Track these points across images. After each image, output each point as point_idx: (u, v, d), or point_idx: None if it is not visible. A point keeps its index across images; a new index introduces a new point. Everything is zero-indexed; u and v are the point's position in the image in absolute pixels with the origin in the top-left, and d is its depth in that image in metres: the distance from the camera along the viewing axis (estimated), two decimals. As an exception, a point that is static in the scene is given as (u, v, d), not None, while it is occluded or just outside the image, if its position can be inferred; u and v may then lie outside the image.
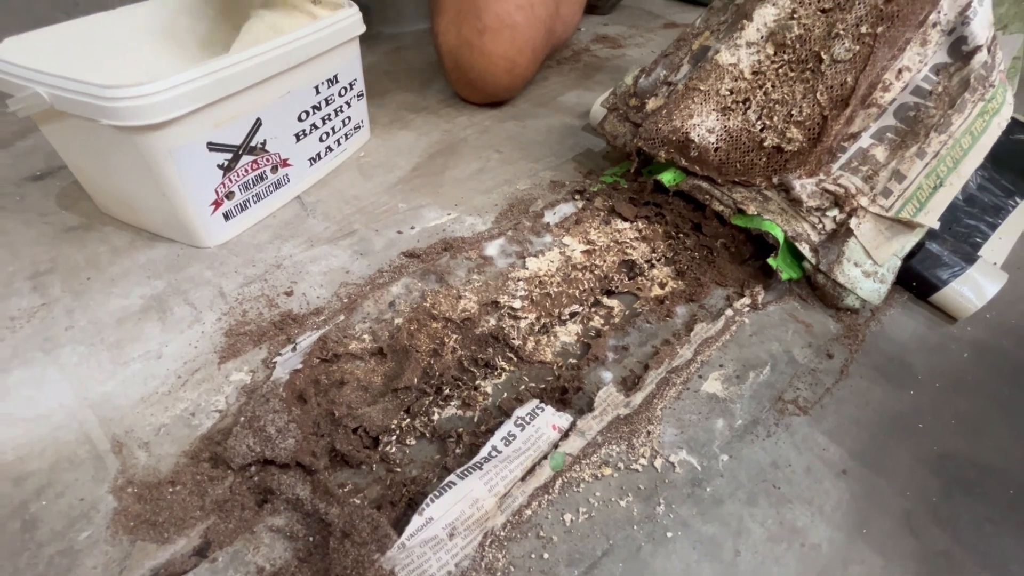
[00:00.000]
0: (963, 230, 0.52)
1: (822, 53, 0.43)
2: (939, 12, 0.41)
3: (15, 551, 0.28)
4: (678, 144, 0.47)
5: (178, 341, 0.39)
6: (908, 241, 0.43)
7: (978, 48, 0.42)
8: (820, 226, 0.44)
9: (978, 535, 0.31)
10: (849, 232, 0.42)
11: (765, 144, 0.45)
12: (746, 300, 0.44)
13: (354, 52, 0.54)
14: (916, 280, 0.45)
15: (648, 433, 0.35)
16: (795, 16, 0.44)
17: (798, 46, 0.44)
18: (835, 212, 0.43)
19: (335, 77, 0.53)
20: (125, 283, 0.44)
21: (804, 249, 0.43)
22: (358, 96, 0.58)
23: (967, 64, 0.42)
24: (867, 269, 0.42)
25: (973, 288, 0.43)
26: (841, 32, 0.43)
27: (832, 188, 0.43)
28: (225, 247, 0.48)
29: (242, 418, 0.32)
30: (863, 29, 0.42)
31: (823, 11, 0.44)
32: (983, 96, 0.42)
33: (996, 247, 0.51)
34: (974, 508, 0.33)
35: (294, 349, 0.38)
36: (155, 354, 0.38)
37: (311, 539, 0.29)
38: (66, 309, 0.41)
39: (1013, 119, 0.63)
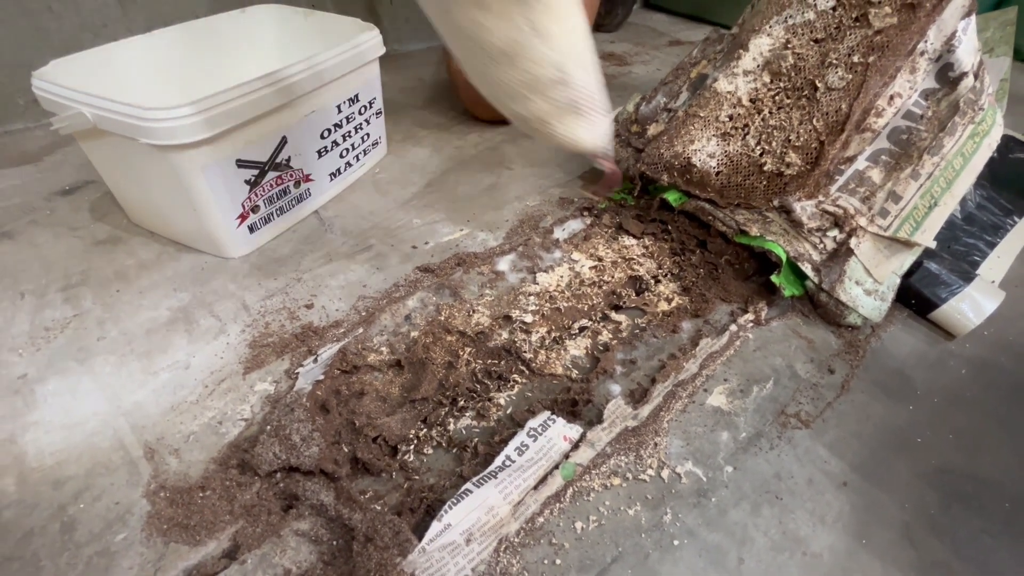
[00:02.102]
0: (962, 248, 0.54)
1: (817, 81, 0.45)
2: (926, 41, 0.43)
3: (56, 551, 0.30)
4: (680, 168, 0.49)
5: (204, 352, 0.41)
6: (907, 259, 0.45)
7: (964, 74, 0.43)
8: (821, 246, 0.45)
9: (975, 547, 0.32)
10: (850, 252, 0.44)
11: (765, 168, 0.46)
12: (750, 316, 0.45)
13: (374, 72, 0.57)
14: (915, 298, 0.47)
15: (655, 445, 0.36)
16: (789, 46, 0.46)
17: (793, 74, 0.46)
18: (835, 232, 0.45)
19: (356, 96, 0.55)
20: (153, 295, 0.46)
21: (806, 269, 0.45)
22: (377, 114, 0.60)
23: (954, 89, 0.44)
24: (868, 287, 0.44)
25: (971, 306, 0.45)
26: (834, 61, 0.45)
27: (831, 209, 0.45)
28: (247, 260, 0.50)
29: (268, 427, 0.34)
30: (855, 58, 0.44)
31: (816, 41, 0.46)
32: (973, 119, 0.44)
33: (994, 265, 0.52)
34: (972, 521, 0.34)
35: (315, 361, 0.39)
36: (183, 364, 0.40)
37: (335, 543, 0.30)
38: (97, 320, 0.43)
39: (1012, 138, 0.65)
